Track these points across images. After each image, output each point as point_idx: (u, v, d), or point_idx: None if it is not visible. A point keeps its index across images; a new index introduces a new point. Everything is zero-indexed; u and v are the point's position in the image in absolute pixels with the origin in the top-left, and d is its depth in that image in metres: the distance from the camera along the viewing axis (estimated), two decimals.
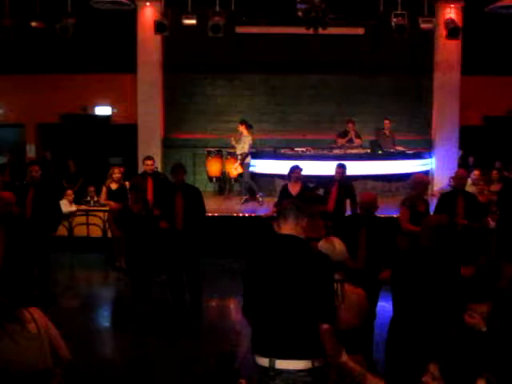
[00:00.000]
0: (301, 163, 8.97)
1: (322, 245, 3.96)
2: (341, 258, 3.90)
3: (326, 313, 3.33)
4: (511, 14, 11.08)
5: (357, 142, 12.42)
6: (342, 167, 8.64)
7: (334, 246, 3.92)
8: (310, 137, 13.02)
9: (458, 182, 7.57)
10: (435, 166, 12.93)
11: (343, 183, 8.52)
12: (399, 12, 10.74)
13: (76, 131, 13.61)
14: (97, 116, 13.68)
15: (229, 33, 11.67)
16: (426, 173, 12.70)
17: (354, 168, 10.87)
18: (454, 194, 7.47)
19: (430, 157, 12.96)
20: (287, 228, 3.47)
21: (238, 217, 10.45)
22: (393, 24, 10.85)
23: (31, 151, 13.66)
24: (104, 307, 8.09)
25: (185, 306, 7.32)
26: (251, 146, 11.52)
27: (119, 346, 6.64)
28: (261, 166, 12.03)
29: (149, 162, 9.11)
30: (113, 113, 13.65)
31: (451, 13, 11.98)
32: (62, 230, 10.46)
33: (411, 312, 4.08)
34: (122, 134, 13.23)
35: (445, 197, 7.59)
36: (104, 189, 9.31)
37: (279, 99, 13.50)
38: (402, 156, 12.37)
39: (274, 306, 3.38)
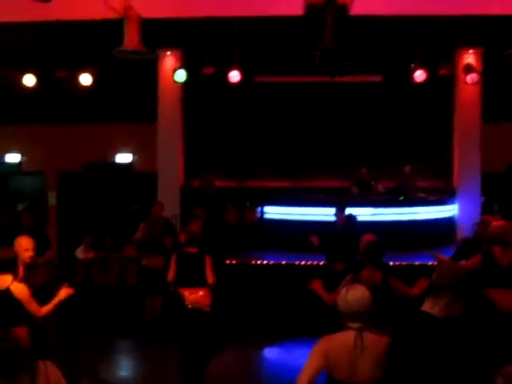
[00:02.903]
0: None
1: (339, 293, 3.87)
2: (355, 308, 3.73)
3: None
4: None
5: (379, 187, 12.27)
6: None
7: (347, 296, 3.79)
8: (327, 184, 12.93)
9: (482, 228, 7.32)
10: (458, 213, 12.72)
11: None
12: (417, 59, 10.77)
13: (97, 179, 13.71)
14: (118, 164, 13.79)
15: (247, 82, 11.79)
16: (451, 220, 12.57)
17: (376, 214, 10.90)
18: (477, 242, 7.25)
19: (453, 203, 12.76)
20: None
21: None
22: (411, 71, 10.88)
23: (52, 199, 13.76)
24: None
25: None
26: None
27: None
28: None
29: None
30: (134, 161, 13.75)
31: (470, 58, 11.95)
32: (79, 278, 10.51)
33: None
34: (142, 182, 13.30)
35: (466, 244, 7.37)
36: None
37: (296, 147, 13.51)
38: (425, 202, 12.21)
39: None
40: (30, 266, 5.88)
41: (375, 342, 3.67)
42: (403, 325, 3.49)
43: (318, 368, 3.62)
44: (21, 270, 5.69)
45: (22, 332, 3.50)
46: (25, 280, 5.53)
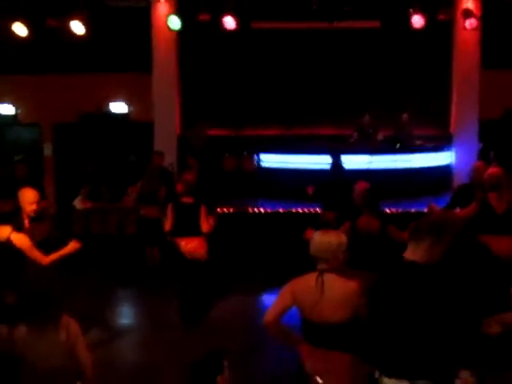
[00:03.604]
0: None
1: (312, 237, 3.98)
2: (324, 251, 3.85)
3: None
4: None
5: (379, 136, 12.24)
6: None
7: (319, 239, 3.90)
8: (325, 132, 12.89)
9: (475, 174, 7.38)
10: (455, 160, 12.72)
11: None
12: (415, 4, 10.58)
13: (93, 130, 13.62)
14: (113, 114, 13.67)
15: (243, 28, 11.60)
16: (448, 167, 12.60)
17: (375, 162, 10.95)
18: (471, 187, 7.28)
19: (450, 150, 12.76)
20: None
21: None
22: (409, 16, 10.71)
23: (48, 150, 13.71)
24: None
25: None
26: None
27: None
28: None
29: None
30: (129, 111, 13.64)
31: (469, 3, 11.74)
32: (78, 228, 10.58)
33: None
34: (138, 132, 13.23)
35: (461, 190, 7.41)
36: None
37: (294, 95, 13.39)
38: (421, 150, 12.21)
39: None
40: (34, 219, 5.91)
41: (339, 284, 3.79)
42: (385, 271, 3.55)
43: (284, 306, 3.86)
44: (26, 222, 5.73)
45: None
46: (29, 232, 5.58)
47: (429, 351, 3.26)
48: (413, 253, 3.43)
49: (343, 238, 3.97)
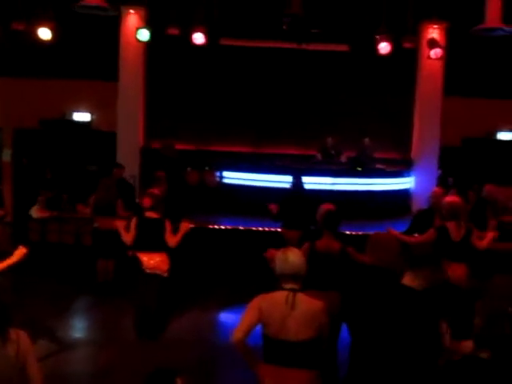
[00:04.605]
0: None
1: (278, 255, 4.01)
2: (293, 270, 3.92)
3: None
4: (494, 37, 11.12)
5: (342, 158, 12.38)
6: None
7: (287, 258, 3.94)
8: (290, 151, 12.97)
9: (433, 200, 7.52)
10: (414, 185, 12.94)
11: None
12: (382, 31, 10.77)
13: (54, 137, 13.40)
14: (76, 122, 13.49)
15: (212, 44, 11.63)
16: (407, 191, 12.80)
17: (335, 183, 11.06)
18: (430, 212, 7.43)
19: (410, 175, 12.97)
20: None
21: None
22: (376, 43, 10.90)
23: (7, 156, 13.42)
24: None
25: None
26: None
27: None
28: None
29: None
30: (92, 119, 13.48)
31: (434, 33, 12.03)
32: (34, 236, 10.36)
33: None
34: (100, 141, 13.06)
35: (420, 215, 7.54)
36: None
37: (259, 113, 13.45)
38: (382, 174, 12.38)
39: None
40: None
41: (307, 303, 3.89)
42: (383, 297, 3.64)
43: (251, 322, 3.86)
44: None
45: None
46: None
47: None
48: (412, 281, 3.65)
49: (304, 258, 4.06)
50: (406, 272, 3.68)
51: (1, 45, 11.58)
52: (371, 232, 10.08)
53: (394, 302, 3.59)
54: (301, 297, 3.89)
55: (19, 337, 3.43)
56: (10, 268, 5.42)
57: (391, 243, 5.12)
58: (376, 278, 4.46)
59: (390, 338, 3.50)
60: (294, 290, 3.89)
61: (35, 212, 10.55)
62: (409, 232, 7.27)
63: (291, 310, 3.82)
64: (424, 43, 11.80)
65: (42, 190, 11.76)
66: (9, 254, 5.50)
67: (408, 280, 3.63)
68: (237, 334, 3.80)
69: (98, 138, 13.15)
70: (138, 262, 7.02)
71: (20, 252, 5.44)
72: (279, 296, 3.90)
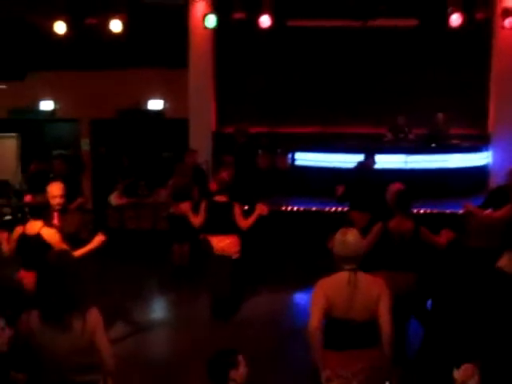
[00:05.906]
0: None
1: (336, 236, 4.00)
2: (353, 251, 3.91)
3: None
4: None
5: (411, 136, 12.13)
6: None
7: (346, 239, 3.94)
8: (360, 130, 12.81)
9: (511, 178, 7.25)
10: (492, 161, 12.51)
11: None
12: (453, 2, 10.44)
13: (130, 126, 13.82)
14: (150, 111, 13.84)
15: (279, 26, 11.62)
16: (484, 167, 12.40)
17: (409, 162, 10.89)
18: (507, 189, 7.17)
19: (487, 151, 12.55)
20: None
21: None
22: (447, 15, 10.59)
23: (86, 145, 13.98)
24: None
25: None
26: None
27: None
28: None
29: None
30: (165, 107, 13.78)
31: (508, 1, 11.52)
32: (113, 222, 10.77)
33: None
34: (174, 128, 13.37)
35: (496, 191, 7.30)
36: None
37: (328, 93, 13.34)
38: (458, 149, 12.04)
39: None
40: (62, 212, 6.05)
41: (369, 281, 3.93)
42: (476, 280, 3.65)
43: (323, 309, 3.86)
44: (55, 216, 5.87)
45: None
46: (57, 226, 5.71)
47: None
48: (508, 264, 3.62)
49: (361, 238, 4.09)
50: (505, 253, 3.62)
51: (76, 40, 12.00)
52: (446, 210, 10.00)
53: (486, 286, 3.55)
54: (361, 276, 3.92)
55: (88, 314, 3.48)
56: (90, 254, 5.68)
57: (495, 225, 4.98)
58: (474, 260, 4.40)
59: (476, 318, 3.46)
60: (354, 270, 3.91)
61: (114, 199, 10.94)
62: (483, 207, 7.06)
63: (355, 289, 3.85)
64: (498, 13, 11.34)
65: (119, 178, 12.21)
66: (88, 240, 5.77)
67: (504, 262, 3.58)
68: (313, 323, 3.81)
69: (171, 125, 13.46)
70: (208, 245, 7.18)
71: (99, 239, 5.68)
72: (341, 277, 3.91)
